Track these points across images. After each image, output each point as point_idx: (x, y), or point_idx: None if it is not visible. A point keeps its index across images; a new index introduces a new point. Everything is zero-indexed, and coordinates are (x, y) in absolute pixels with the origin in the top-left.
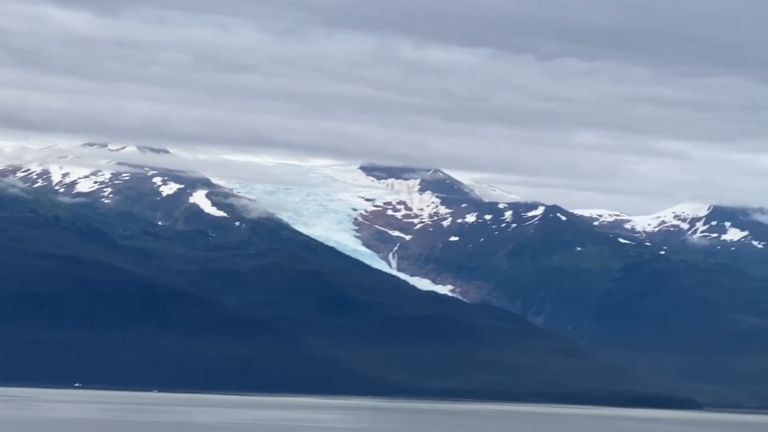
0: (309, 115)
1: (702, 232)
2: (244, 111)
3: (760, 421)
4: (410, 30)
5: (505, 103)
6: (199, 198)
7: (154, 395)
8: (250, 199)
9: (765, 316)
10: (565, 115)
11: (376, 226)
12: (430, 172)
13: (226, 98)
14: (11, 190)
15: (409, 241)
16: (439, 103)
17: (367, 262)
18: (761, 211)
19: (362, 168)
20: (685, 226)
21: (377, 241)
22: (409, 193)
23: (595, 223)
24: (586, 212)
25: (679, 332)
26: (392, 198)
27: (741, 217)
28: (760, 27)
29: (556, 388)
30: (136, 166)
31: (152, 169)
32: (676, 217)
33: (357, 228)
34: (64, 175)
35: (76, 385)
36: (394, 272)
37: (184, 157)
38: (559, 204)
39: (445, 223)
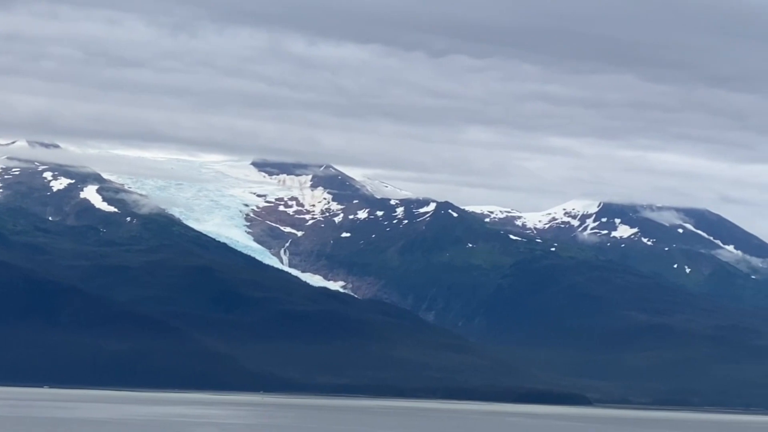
0: (200, 110)
1: (592, 228)
2: (135, 106)
3: (649, 416)
4: (302, 26)
5: (397, 99)
6: (90, 193)
7: (45, 391)
8: (141, 195)
9: (654, 312)
10: (456, 111)
11: (267, 222)
12: (322, 168)
13: (117, 93)
14: None
15: (300, 237)
16: (331, 99)
17: (259, 257)
18: (650, 207)
19: (254, 164)
20: (575, 222)
21: (269, 237)
22: (301, 189)
23: (486, 219)
24: (477, 209)
25: (569, 328)
26: (284, 194)
27: (630, 214)
28: (649, 25)
29: (447, 383)
30: (26, 161)
31: (42, 163)
32: (567, 213)
33: (249, 224)
34: None
35: None
36: (286, 268)
37: (75, 152)
38: (450, 200)
39: (337, 219)
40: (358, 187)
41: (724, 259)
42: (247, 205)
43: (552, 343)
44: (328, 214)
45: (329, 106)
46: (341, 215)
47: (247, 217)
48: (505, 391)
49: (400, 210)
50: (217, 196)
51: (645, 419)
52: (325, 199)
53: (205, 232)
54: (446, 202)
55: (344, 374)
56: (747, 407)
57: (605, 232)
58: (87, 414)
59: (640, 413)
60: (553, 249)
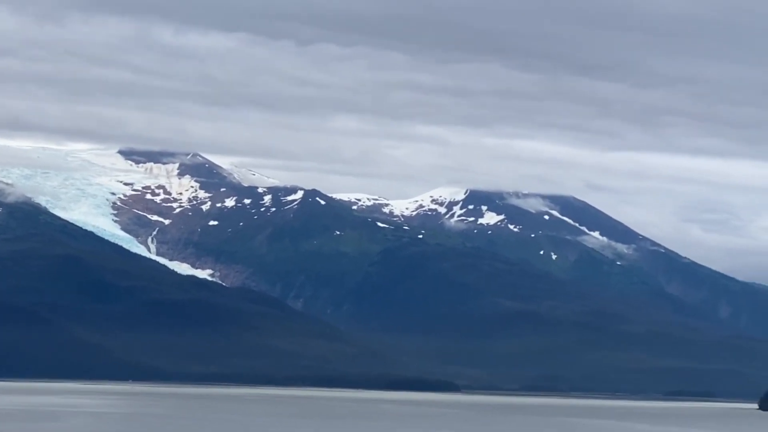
0: (67, 99)
1: (459, 216)
2: (1, 94)
3: (517, 402)
4: (169, 15)
5: (264, 88)
6: None
7: None
8: (6, 183)
9: (521, 299)
10: (324, 100)
11: (134, 210)
12: (189, 156)
13: None
14: None
15: (168, 225)
16: (198, 88)
17: (126, 246)
18: (517, 195)
19: (121, 152)
20: (442, 210)
21: (136, 226)
22: (168, 178)
23: (354, 207)
24: (344, 196)
25: (437, 315)
26: (151, 182)
27: (497, 201)
28: (514, 15)
29: (316, 371)
30: None
31: None
32: (434, 201)
33: (116, 212)
34: None
35: None
36: (154, 257)
37: None
38: (318, 188)
39: (205, 208)
40: (226, 175)
41: (590, 246)
42: (114, 194)
43: (420, 331)
44: (195, 202)
45: (196, 95)
46: (209, 203)
47: (114, 206)
48: (374, 379)
49: (267, 198)
50: (84, 185)
51: (513, 405)
52: (192, 187)
53: (72, 221)
54: (314, 190)
55: (213, 363)
56: (614, 392)
57: (472, 219)
58: None
59: (508, 399)
60: (420, 236)
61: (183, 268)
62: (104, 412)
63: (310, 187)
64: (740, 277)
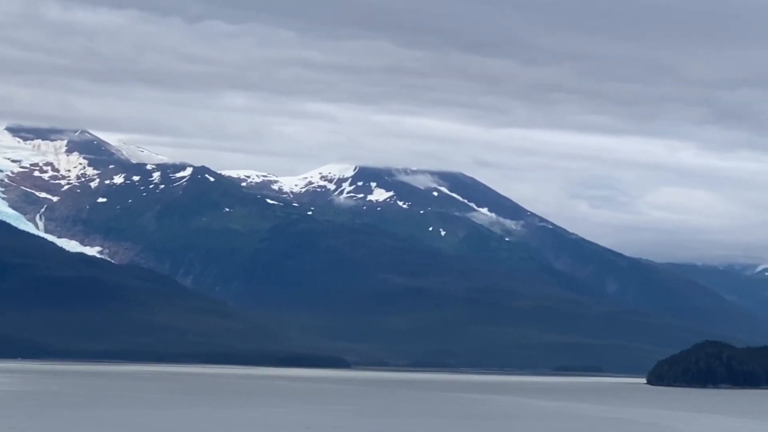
0: None
1: (348, 192)
2: None
3: (407, 378)
4: None
5: (153, 65)
6: None
7: None
8: None
9: (410, 275)
10: (213, 77)
11: (22, 187)
12: (78, 133)
13: None
14: None
15: (56, 202)
16: (87, 65)
17: (14, 223)
18: (406, 171)
19: (8, 129)
20: (331, 186)
21: (24, 203)
22: (56, 155)
23: (243, 184)
24: (234, 173)
25: (327, 292)
26: (39, 159)
27: (386, 178)
28: None
29: (206, 348)
30: None
31: None
32: (323, 177)
33: (3, 189)
34: None
35: None
36: (42, 234)
37: None
38: (207, 165)
39: (93, 185)
40: (114, 152)
41: (479, 222)
42: (1, 171)
43: (310, 307)
44: (83, 179)
45: (85, 72)
46: (97, 180)
47: (1, 183)
48: (265, 355)
49: (156, 175)
50: None
51: (404, 381)
52: (80, 164)
53: None
54: (203, 167)
55: (103, 340)
56: (502, 368)
57: (361, 195)
58: None
59: (397, 375)
60: (309, 213)
61: (72, 246)
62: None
63: (199, 164)
64: (627, 253)
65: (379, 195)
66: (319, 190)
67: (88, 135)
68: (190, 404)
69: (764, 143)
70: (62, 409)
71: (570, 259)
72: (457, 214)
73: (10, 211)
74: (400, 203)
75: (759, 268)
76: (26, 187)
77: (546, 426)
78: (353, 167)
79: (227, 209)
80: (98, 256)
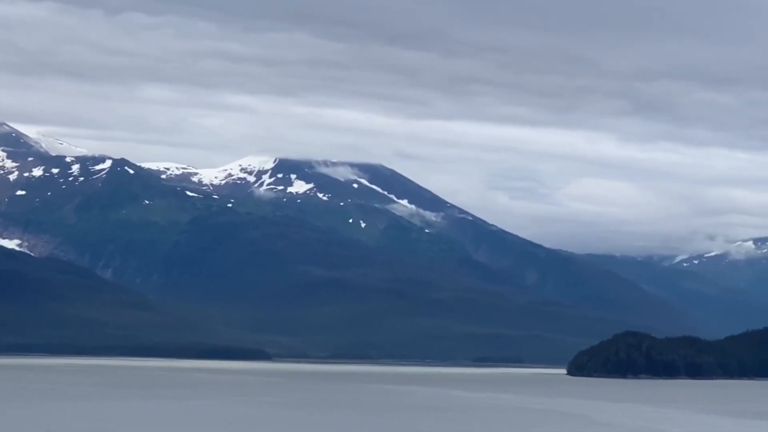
0: None
1: (268, 184)
2: None
3: (328, 370)
4: None
5: (73, 57)
6: None
7: None
8: None
9: (330, 267)
10: (133, 69)
11: None
12: None
13: None
14: None
15: None
16: (6, 57)
17: None
18: (326, 163)
19: None
20: (251, 178)
21: None
22: None
23: (163, 176)
24: (153, 165)
25: (247, 284)
26: None
27: (306, 170)
28: None
29: (127, 341)
30: None
31: None
32: (243, 170)
33: None
34: None
35: None
36: None
37: None
38: (126, 157)
39: (12, 177)
40: (33, 144)
41: (399, 214)
42: None
43: (230, 299)
44: (2, 171)
45: (3, 64)
46: (16, 173)
47: None
48: (185, 348)
49: (76, 167)
50: None
51: (325, 373)
52: None
53: None
54: (123, 159)
55: (23, 333)
56: (423, 359)
57: (281, 187)
58: None
59: (318, 367)
60: (230, 205)
61: None
62: None
63: (118, 157)
64: (547, 244)
65: (299, 187)
66: (239, 182)
67: (7, 127)
68: (116, 397)
69: (683, 135)
70: None
71: (490, 250)
72: (377, 206)
73: None
74: (321, 195)
75: (677, 259)
76: None
77: (469, 417)
78: (273, 159)
79: (147, 202)
80: (17, 249)
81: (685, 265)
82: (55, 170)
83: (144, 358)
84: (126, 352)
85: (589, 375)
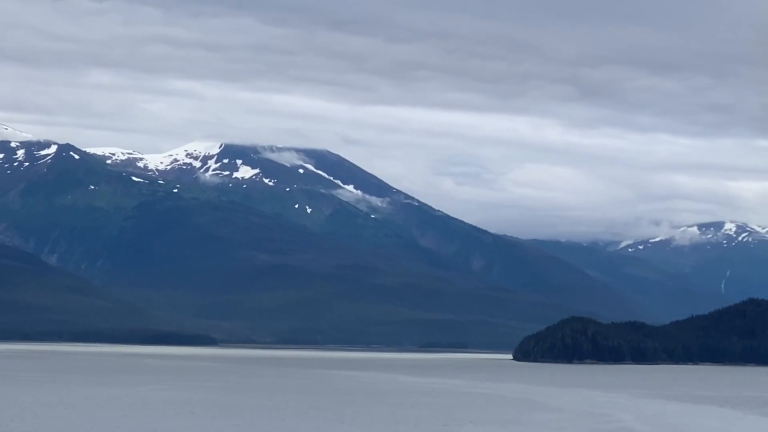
0: None
1: (214, 170)
2: None
3: (273, 355)
4: None
5: (16, 42)
6: None
7: None
8: None
9: (276, 252)
10: (77, 54)
11: None
12: None
13: None
14: None
15: None
16: None
17: None
18: (271, 149)
19: None
20: (197, 164)
21: None
22: None
23: (109, 161)
24: (99, 150)
25: (193, 270)
26: None
27: (252, 155)
28: None
29: (72, 326)
30: None
31: None
32: (189, 155)
33: None
34: None
35: None
36: None
37: None
38: (72, 143)
39: None
40: None
41: (345, 199)
42: None
43: (176, 285)
44: None
45: None
46: None
47: None
48: (131, 333)
49: (20, 152)
50: None
51: (271, 358)
52: None
53: None
54: (68, 144)
55: None
56: (368, 344)
57: (227, 173)
58: None
59: (264, 352)
60: (175, 190)
61: None
62: None
63: (64, 142)
64: (492, 230)
65: (245, 172)
66: (184, 167)
67: None
68: (61, 383)
69: (627, 120)
70: None
71: (436, 236)
72: (323, 191)
73: None
74: (266, 180)
75: (622, 245)
76: None
77: (415, 401)
78: (219, 144)
79: (92, 187)
80: None
81: (630, 250)
82: None
83: (90, 344)
84: (71, 338)
85: (536, 360)
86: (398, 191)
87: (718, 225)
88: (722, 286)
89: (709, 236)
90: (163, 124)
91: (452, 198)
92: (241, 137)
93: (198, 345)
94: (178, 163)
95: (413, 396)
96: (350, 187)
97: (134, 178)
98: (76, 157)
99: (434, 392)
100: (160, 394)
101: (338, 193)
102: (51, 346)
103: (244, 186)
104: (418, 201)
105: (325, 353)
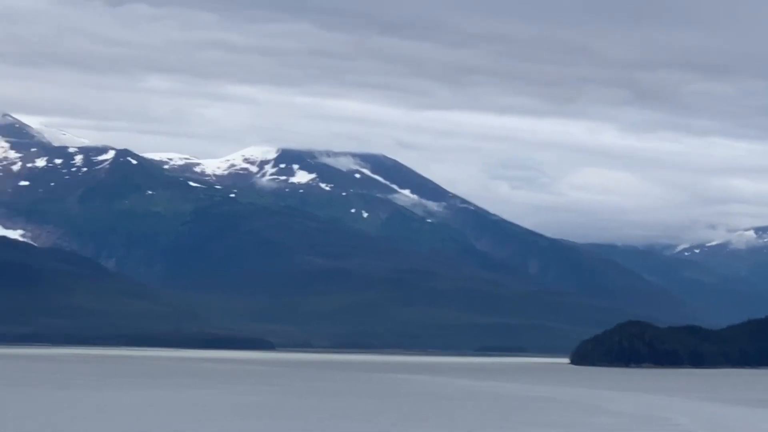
0: None
1: (271, 174)
2: None
3: (332, 359)
4: None
5: (75, 48)
6: None
7: None
8: None
9: (331, 256)
10: (135, 60)
11: None
12: None
13: None
14: None
15: None
16: (8, 48)
17: None
18: (327, 153)
19: None
20: (254, 169)
21: None
22: None
23: (166, 166)
24: (156, 156)
25: (249, 274)
26: None
27: (308, 160)
28: None
29: (130, 330)
30: None
31: None
32: (246, 160)
33: None
34: None
35: None
36: None
37: None
38: (129, 148)
39: (15, 168)
40: (36, 135)
41: (401, 203)
42: None
43: (233, 289)
44: (5, 162)
45: (6, 55)
46: (19, 163)
47: None
48: (188, 338)
49: (78, 158)
50: None
51: (329, 362)
52: (2, 147)
53: None
54: (125, 150)
55: (27, 323)
56: (424, 348)
57: (284, 178)
58: None
59: (321, 356)
60: (232, 195)
61: None
62: None
63: (121, 147)
64: (548, 234)
65: (302, 177)
66: (241, 172)
67: (10, 118)
68: (120, 387)
69: (683, 124)
70: None
71: (491, 240)
72: (379, 195)
73: None
74: (323, 185)
75: (678, 248)
76: None
77: (472, 404)
78: (275, 149)
79: (150, 192)
80: (21, 239)
81: (686, 254)
82: (58, 161)
83: (147, 348)
84: (129, 342)
85: (592, 364)
86: (454, 195)
87: None
88: None
89: (765, 239)
90: (219, 129)
91: (508, 202)
92: (297, 142)
93: (254, 349)
94: (235, 168)
95: (471, 399)
96: (406, 192)
97: (191, 183)
98: (134, 162)
99: (492, 396)
100: (216, 397)
101: (394, 197)
102: (109, 351)
103: (301, 191)
104: (474, 205)
105: (382, 357)
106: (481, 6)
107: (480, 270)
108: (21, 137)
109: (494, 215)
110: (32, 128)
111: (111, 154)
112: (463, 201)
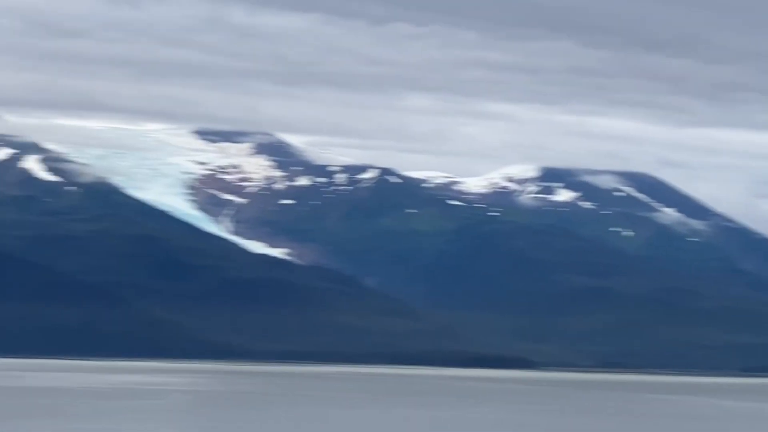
0: (141, 79)
1: (533, 193)
2: (76, 75)
3: (594, 379)
4: None
5: (337, 67)
6: (31, 163)
7: None
8: (82, 163)
9: (594, 275)
10: (396, 78)
11: (208, 189)
12: (263, 135)
13: (57, 63)
14: None
15: (242, 204)
16: (271, 68)
17: (200, 225)
18: (590, 172)
19: (195, 132)
20: (515, 187)
21: (210, 205)
22: (242, 157)
23: (427, 185)
24: (417, 174)
25: (510, 292)
26: (225, 162)
27: (571, 178)
28: None
29: (390, 349)
30: None
31: None
32: (507, 178)
33: (190, 192)
34: None
35: None
36: (228, 235)
37: (16, 122)
38: (390, 167)
39: (278, 186)
40: (299, 153)
41: (664, 222)
42: (188, 173)
43: (494, 308)
44: (269, 181)
45: (269, 74)
46: (282, 182)
47: (188, 185)
48: (449, 356)
49: (340, 176)
50: (158, 165)
51: (590, 382)
52: (266, 166)
53: (146, 201)
54: (386, 168)
55: (287, 341)
56: (689, 369)
57: (545, 196)
58: (50, 383)
59: (584, 376)
60: (493, 214)
61: (257, 247)
62: (197, 390)
63: (382, 166)
64: None
65: (564, 195)
66: (502, 191)
67: (273, 137)
68: (383, 405)
69: None
70: (260, 408)
71: (757, 259)
72: (641, 214)
73: (197, 213)
74: (585, 204)
75: None
76: (212, 190)
77: (741, 427)
78: (535, 168)
79: (411, 210)
80: (283, 257)
81: None
82: (320, 179)
83: (407, 366)
84: (389, 360)
85: None
86: (717, 213)
87: None
88: None
89: None
90: (479, 147)
91: None
92: (558, 160)
93: (517, 368)
94: (496, 186)
95: (739, 421)
96: (670, 210)
97: (452, 202)
98: (396, 180)
99: (760, 417)
100: (483, 416)
101: (657, 216)
102: (370, 369)
103: (563, 209)
104: (737, 223)
105: (645, 377)
106: (746, 23)
107: (745, 289)
108: (284, 156)
109: (759, 234)
110: (295, 147)
111: (372, 173)
112: (727, 219)
